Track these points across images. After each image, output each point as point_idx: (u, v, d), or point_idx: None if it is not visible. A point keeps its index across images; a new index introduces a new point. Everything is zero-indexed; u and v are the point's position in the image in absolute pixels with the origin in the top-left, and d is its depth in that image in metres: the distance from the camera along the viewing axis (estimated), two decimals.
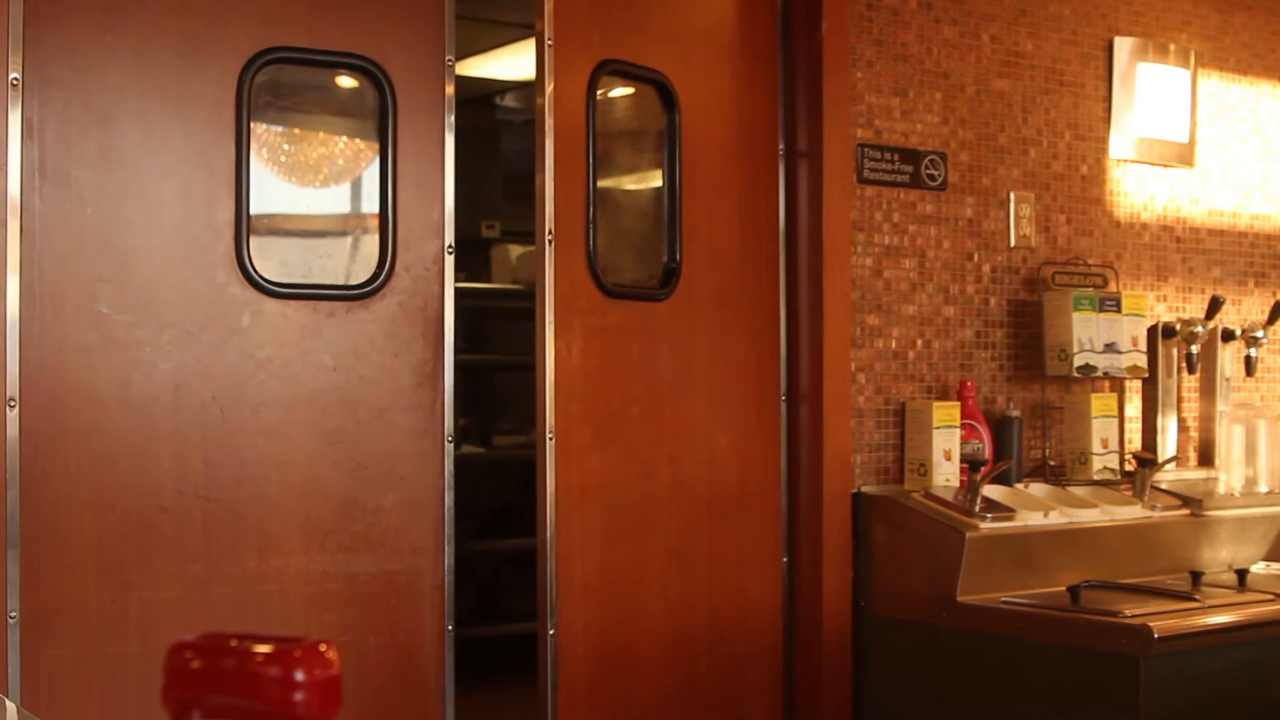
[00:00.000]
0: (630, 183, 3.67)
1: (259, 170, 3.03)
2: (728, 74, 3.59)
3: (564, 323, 3.23)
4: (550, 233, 3.19)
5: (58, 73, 2.82)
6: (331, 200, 3.27)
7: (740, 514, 3.58)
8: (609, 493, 3.33)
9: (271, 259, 3.05)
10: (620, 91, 3.50)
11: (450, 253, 3.19)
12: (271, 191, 3.11)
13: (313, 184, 3.18)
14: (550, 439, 3.19)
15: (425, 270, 3.17)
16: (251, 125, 2.99)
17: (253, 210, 2.99)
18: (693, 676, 3.48)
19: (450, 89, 3.19)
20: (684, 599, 3.46)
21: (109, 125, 2.87)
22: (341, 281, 3.14)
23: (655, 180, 3.52)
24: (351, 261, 3.18)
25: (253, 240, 2.99)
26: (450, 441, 3.18)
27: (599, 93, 3.32)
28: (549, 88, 3.20)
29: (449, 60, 3.20)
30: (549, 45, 3.20)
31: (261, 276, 2.99)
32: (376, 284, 3.11)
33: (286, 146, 3.14)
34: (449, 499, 3.18)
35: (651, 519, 3.41)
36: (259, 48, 2.99)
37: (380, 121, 3.14)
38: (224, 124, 2.96)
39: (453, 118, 3.20)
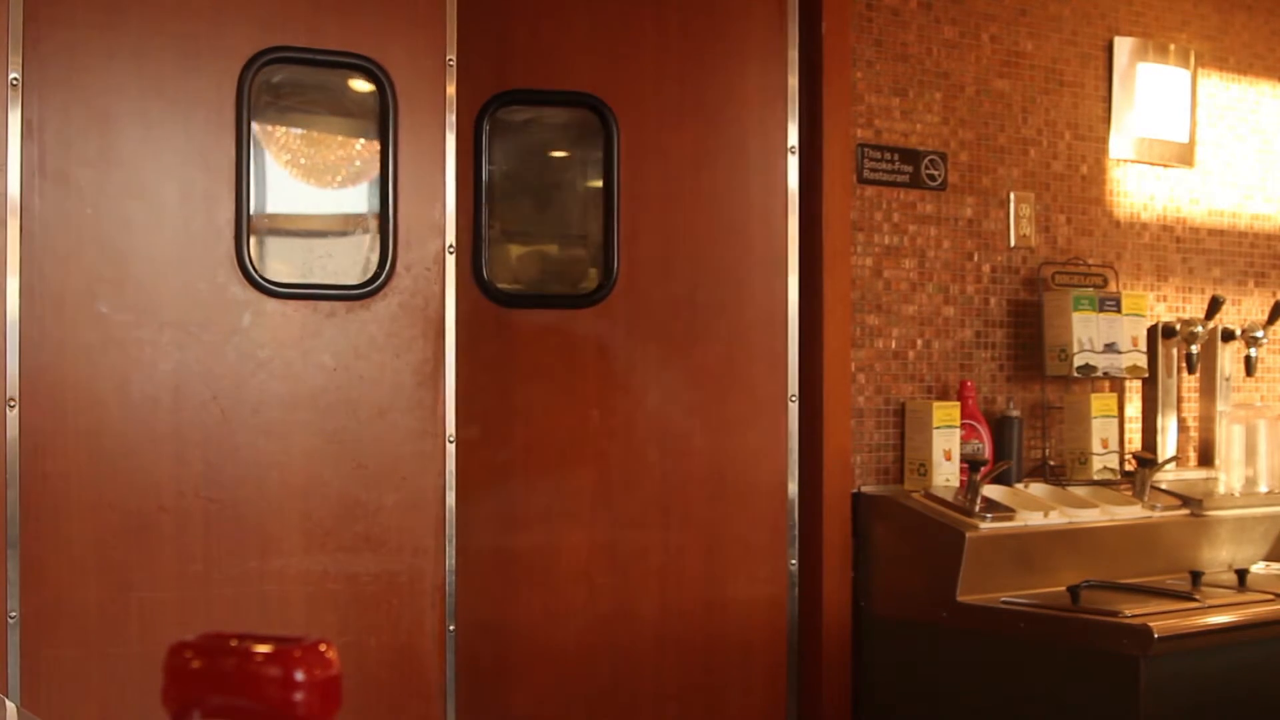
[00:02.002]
0: (567, 195, 3.64)
1: (259, 170, 3.03)
2: (707, 79, 3.56)
3: (459, 332, 3.23)
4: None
5: (58, 73, 2.82)
6: (332, 200, 3.27)
7: (718, 513, 3.54)
8: (507, 486, 3.30)
9: (272, 259, 3.05)
10: (546, 110, 3.48)
11: (451, 252, 3.20)
12: (271, 191, 3.11)
13: (312, 184, 3.19)
14: (451, 442, 3.19)
15: (426, 270, 3.17)
16: (252, 125, 2.99)
17: (253, 210, 3.00)
18: (634, 670, 3.44)
19: (452, 89, 3.19)
20: (617, 595, 3.42)
21: (109, 125, 2.87)
22: (340, 281, 3.14)
23: (595, 190, 3.50)
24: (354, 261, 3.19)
25: (253, 240, 2.99)
26: (451, 442, 3.18)
27: (507, 116, 3.33)
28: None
29: (450, 60, 3.20)
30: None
31: (262, 276, 2.99)
32: (377, 284, 3.11)
33: (286, 145, 3.14)
34: (450, 499, 3.18)
35: (570, 513, 3.38)
36: (259, 48, 2.99)
37: (381, 121, 3.14)
38: (224, 124, 2.96)
39: (454, 117, 3.20)
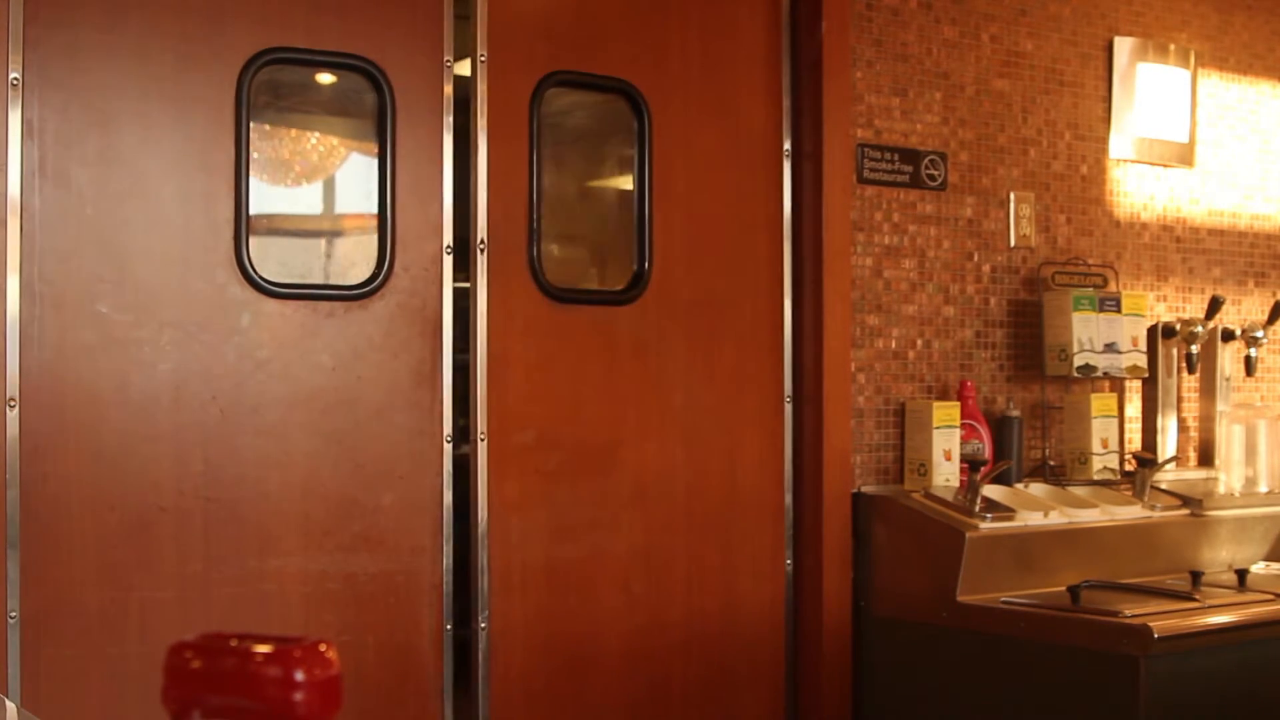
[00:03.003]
0: (597, 188, 3.66)
1: (258, 170, 3.03)
2: (719, 78, 3.58)
3: (501, 327, 3.24)
4: (483, 243, 3.21)
5: (58, 73, 2.82)
6: (331, 200, 3.27)
7: (730, 515, 3.56)
8: (556, 492, 3.31)
9: (270, 259, 3.05)
10: (582, 99, 3.48)
11: (449, 253, 3.20)
12: (270, 191, 3.11)
13: (310, 183, 3.18)
14: (483, 440, 3.20)
15: (424, 270, 3.17)
16: (251, 125, 2.99)
17: (252, 210, 3.00)
18: (665, 675, 3.45)
19: (449, 89, 3.19)
20: (651, 599, 3.44)
21: (109, 125, 2.87)
22: (336, 282, 3.14)
23: (627, 184, 3.51)
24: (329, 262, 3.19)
25: (252, 240, 2.99)
26: (449, 441, 3.18)
27: (548, 104, 3.33)
28: (483, 105, 3.21)
29: (448, 61, 3.20)
30: (481, 61, 3.21)
31: (261, 276, 2.99)
32: (375, 284, 3.11)
33: (263, 145, 3.14)
34: (448, 498, 3.18)
35: (613, 519, 3.39)
36: (258, 48, 2.99)
37: (379, 122, 3.14)
38: (223, 124, 2.96)
39: (451, 118, 3.20)
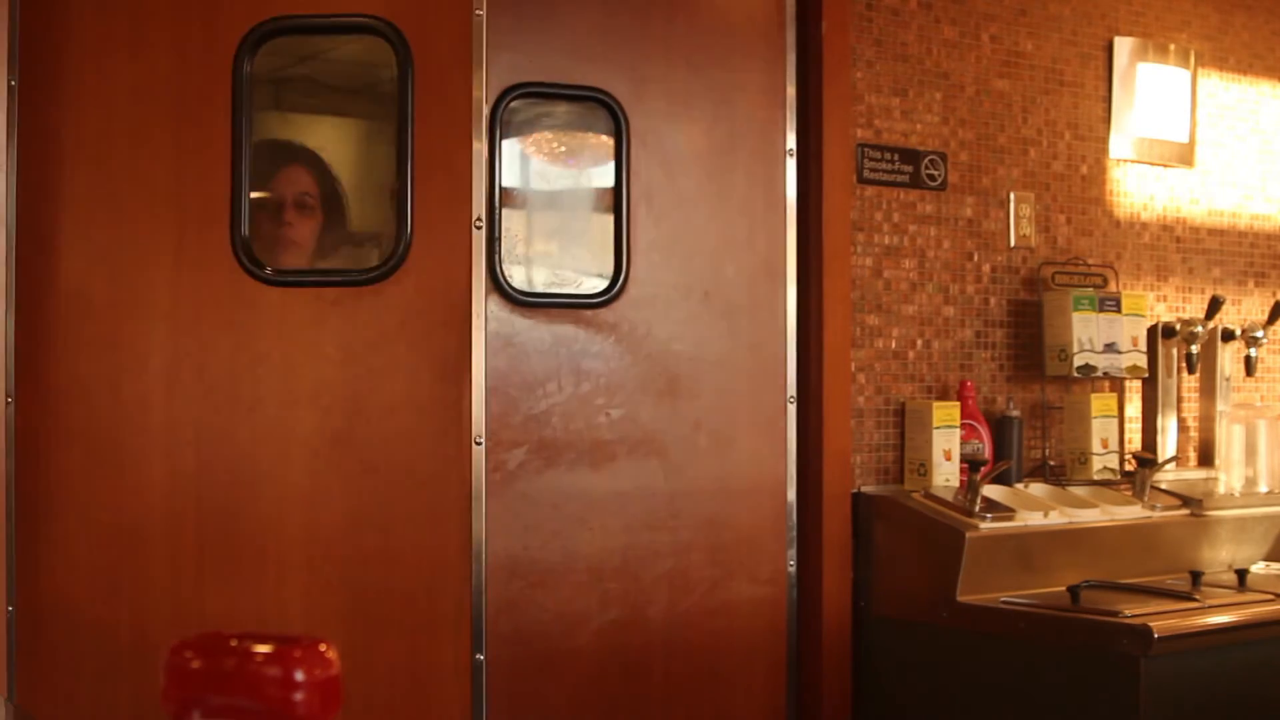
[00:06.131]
0: (574, 192, 3.59)
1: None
2: (718, 78, 3.54)
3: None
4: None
5: (56, 73, 2.81)
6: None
7: (725, 514, 3.52)
8: (522, 487, 3.15)
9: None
10: (558, 108, 3.40)
11: (478, 227, 2.95)
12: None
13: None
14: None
15: (450, 249, 2.94)
16: (253, 103, 2.88)
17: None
18: (645, 674, 3.39)
19: (481, 47, 2.96)
20: (645, 599, 3.37)
21: (109, 122, 2.86)
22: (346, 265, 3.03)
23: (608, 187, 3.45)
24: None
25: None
26: (478, 444, 2.97)
27: (511, 112, 3.21)
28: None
29: (478, 13, 2.95)
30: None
31: (259, 264, 2.89)
32: (389, 267, 2.91)
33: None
34: (476, 508, 2.96)
35: (584, 516, 3.25)
36: (258, 18, 2.84)
37: (399, 86, 2.90)
38: (219, 105, 2.86)
39: (485, 74, 2.96)
